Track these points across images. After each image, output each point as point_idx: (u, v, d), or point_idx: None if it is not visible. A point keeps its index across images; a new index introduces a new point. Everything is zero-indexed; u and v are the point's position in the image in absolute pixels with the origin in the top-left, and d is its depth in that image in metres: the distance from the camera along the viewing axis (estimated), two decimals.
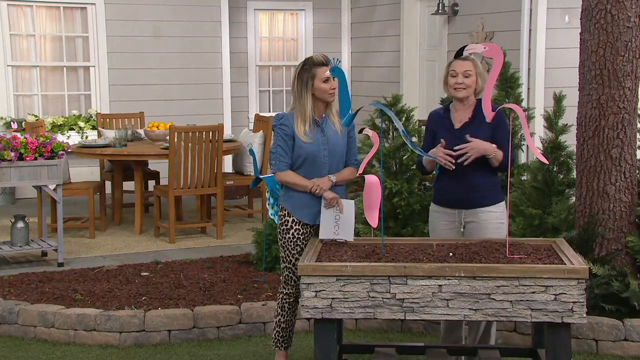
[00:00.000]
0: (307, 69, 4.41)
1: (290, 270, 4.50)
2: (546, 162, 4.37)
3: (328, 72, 4.37)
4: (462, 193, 4.47)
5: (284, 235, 4.49)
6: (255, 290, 6.05)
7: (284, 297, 4.59)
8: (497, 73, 3.99)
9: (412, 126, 6.53)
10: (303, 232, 4.47)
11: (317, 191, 4.39)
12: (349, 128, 4.55)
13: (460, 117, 4.52)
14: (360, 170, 4.41)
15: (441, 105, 4.81)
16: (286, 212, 4.48)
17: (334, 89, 4.42)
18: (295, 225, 4.47)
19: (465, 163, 4.36)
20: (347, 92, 4.34)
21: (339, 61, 4.44)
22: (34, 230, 7.49)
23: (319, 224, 4.45)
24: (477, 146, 4.36)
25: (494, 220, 4.50)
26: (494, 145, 4.39)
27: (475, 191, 4.46)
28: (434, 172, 4.69)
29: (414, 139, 6.35)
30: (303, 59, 4.51)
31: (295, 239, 4.47)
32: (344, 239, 4.32)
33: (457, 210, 4.51)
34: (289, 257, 4.50)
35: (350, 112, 4.36)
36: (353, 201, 4.41)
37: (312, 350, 4.38)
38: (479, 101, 4.53)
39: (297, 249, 4.47)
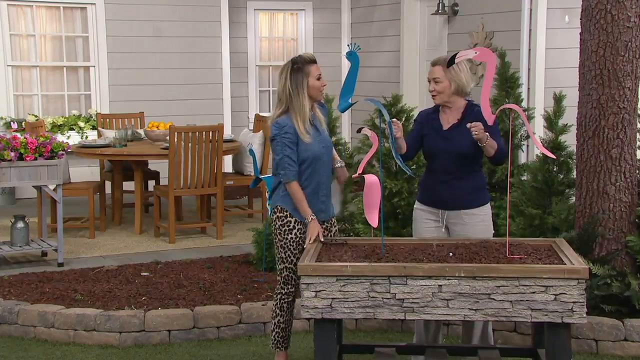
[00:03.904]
0: (300, 68, 4.39)
1: (291, 270, 4.50)
2: (553, 157, 4.34)
3: (319, 69, 4.41)
4: (446, 194, 4.46)
5: (286, 235, 4.48)
6: (255, 290, 6.05)
7: (283, 297, 4.58)
8: (491, 76, 3.94)
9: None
10: (305, 231, 4.46)
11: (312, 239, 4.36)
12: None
13: (448, 118, 4.53)
14: (360, 170, 4.41)
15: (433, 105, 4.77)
16: (287, 213, 4.47)
17: (324, 85, 4.44)
18: (297, 225, 4.46)
19: (475, 135, 4.19)
20: (355, 79, 4.33)
21: (359, 48, 4.42)
22: (34, 230, 7.49)
23: (319, 224, 4.47)
24: (481, 126, 4.21)
25: (478, 222, 4.47)
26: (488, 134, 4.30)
27: (460, 193, 4.44)
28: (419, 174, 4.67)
29: None
30: (287, 61, 4.45)
31: (297, 239, 4.47)
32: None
33: (440, 211, 4.51)
34: (290, 257, 4.49)
35: (350, 100, 4.37)
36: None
37: (312, 350, 4.38)
38: (469, 103, 4.52)
39: (299, 249, 4.47)
